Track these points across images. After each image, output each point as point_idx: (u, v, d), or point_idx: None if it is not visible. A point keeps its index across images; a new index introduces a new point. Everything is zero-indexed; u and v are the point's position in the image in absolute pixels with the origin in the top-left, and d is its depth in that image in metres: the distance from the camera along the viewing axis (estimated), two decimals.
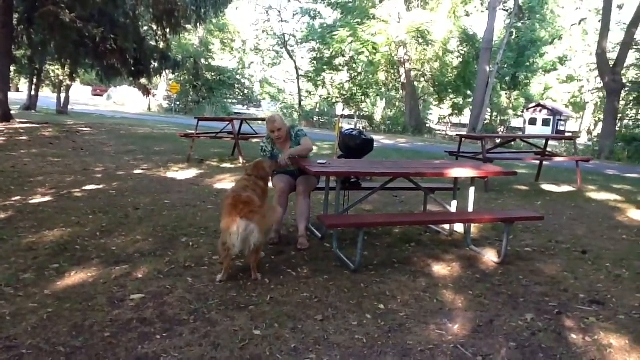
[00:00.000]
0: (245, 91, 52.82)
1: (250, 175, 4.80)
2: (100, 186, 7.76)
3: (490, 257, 5.21)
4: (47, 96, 37.70)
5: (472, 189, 5.58)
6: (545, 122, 45.33)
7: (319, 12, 40.94)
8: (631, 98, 29.73)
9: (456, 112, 44.03)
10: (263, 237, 4.19)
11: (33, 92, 28.28)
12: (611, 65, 23.73)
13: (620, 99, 25.99)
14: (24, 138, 13.71)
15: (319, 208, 6.59)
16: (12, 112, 18.48)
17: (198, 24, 21.84)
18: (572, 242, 5.93)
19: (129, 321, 3.44)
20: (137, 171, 9.43)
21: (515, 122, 50.02)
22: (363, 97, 39.84)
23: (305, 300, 3.94)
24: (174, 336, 3.26)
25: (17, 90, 50.27)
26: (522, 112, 48.31)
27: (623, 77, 26.22)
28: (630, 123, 32.20)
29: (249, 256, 4.23)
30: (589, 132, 42.76)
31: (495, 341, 3.44)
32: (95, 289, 3.93)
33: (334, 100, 40.33)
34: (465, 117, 41.40)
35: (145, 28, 21.67)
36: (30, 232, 5.24)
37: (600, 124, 29.18)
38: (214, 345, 3.17)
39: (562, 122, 46.79)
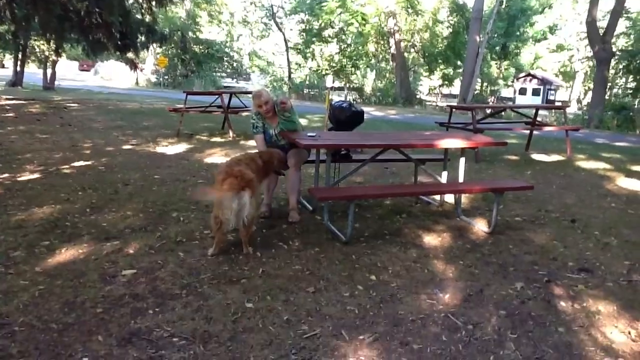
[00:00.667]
0: (234, 64, 52.27)
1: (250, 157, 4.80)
2: (89, 162, 7.71)
3: (480, 227, 5.24)
4: (33, 72, 37.17)
5: (462, 160, 5.58)
6: (535, 92, 45.22)
7: None
8: (621, 66, 29.68)
9: (446, 82, 43.85)
10: (255, 210, 4.18)
11: (18, 68, 27.84)
12: (601, 34, 23.63)
13: (610, 67, 25.94)
14: (10, 115, 13.55)
15: (310, 181, 6.58)
16: None
17: None
18: (562, 211, 5.97)
19: (121, 297, 3.44)
20: (126, 147, 9.37)
21: (506, 92, 49.90)
22: (353, 69, 39.53)
23: (297, 272, 3.95)
24: (167, 311, 3.27)
25: (2, 66, 49.49)
26: (512, 82, 48.18)
27: (613, 46, 26.14)
28: (620, 92, 32.25)
29: (241, 230, 4.23)
30: (579, 102, 42.77)
31: (485, 310, 3.48)
32: (87, 266, 3.92)
33: (323, 73, 40.04)
34: (456, 88, 41.21)
35: (131, 1, 21.23)
36: (20, 210, 5.20)
37: (590, 93, 29.19)
38: (207, 319, 3.18)
39: (552, 92, 46.70)
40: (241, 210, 3.99)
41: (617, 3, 23.62)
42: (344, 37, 38.33)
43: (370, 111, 21.88)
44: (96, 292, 3.49)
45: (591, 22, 23.50)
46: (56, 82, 28.06)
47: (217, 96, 11.64)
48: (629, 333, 3.23)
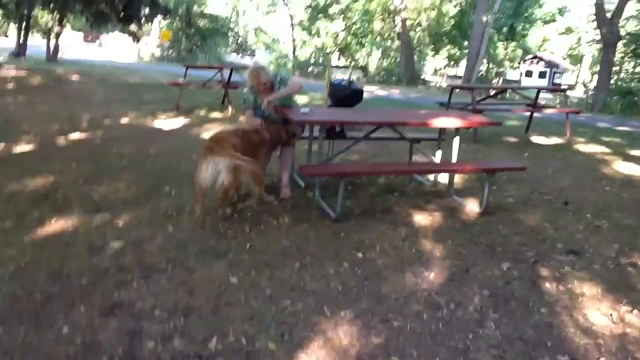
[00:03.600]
0: (239, 40, 51.93)
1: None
2: (86, 135, 7.71)
3: (472, 207, 5.23)
4: (37, 44, 37.03)
5: (456, 139, 5.55)
6: (542, 75, 44.95)
7: None
8: (628, 50, 29.30)
9: (452, 63, 43.51)
10: (232, 177, 4.20)
11: (22, 39, 27.69)
12: (609, 17, 23.32)
13: (617, 51, 25.65)
14: (11, 85, 13.53)
15: (304, 158, 6.56)
16: None
17: None
18: (555, 194, 5.95)
19: (107, 269, 3.46)
20: (124, 120, 9.36)
21: (512, 74, 49.54)
22: (358, 47, 39.25)
23: (284, 248, 3.97)
24: (151, 283, 3.30)
25: (6, 35, 49.19)
26: (519, 64, 47.78)
27: (621, 29, 25.81)
28: (626, 76, 31.92)
29: (218, 195, 4.34)
30: (585, 85, 42.43)
31: (469, 289, 3.49)
32: (75, 237, 3.95)
33: (328, 50, 39.75)
34: (462, 69, 40.94)
35: None
36: (12, 181, 5.21)
37: (596, 77, 28.92)
38: (190, 292, 3.20)
39: (559, 75, 46.40)
40: (217, 175, 4.09)
41: None
42: (349, 14, 37.97)
43: (373, 90, 21.77)
44: (82, 263, 3.51)
45: (600, 4, 23.16)
46: (60, 54, 27.90)
47: (217, 71, 11.57)
48: (611, 315, 3.23)
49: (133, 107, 11.05)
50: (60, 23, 24.23)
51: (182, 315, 2.93)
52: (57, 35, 27.50)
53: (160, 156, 6.67)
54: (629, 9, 28.34)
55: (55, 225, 4.17)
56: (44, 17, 27.03)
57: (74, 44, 46.10)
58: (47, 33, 28.28)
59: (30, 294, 3.07)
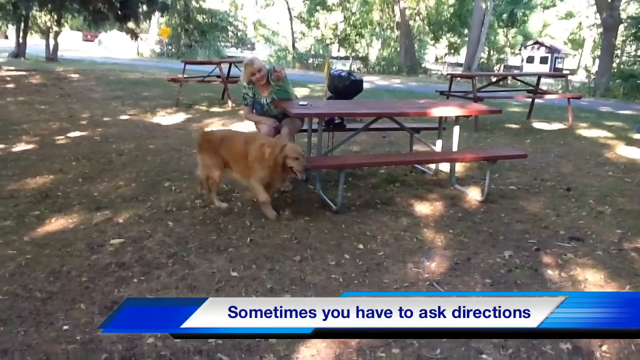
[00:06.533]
0: (239, 34, 51.75)
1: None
2: (85, 133, 7.69)
3: (473, 195, 5.21)
4: (37, 43, 36.95)
5: (456, 128, 5.52)
6: (543, 60, 44.68)
7: None
8: (629, 34, 29.09)
9: (452, 51, 43.32)
10: (203, 171, 4.63)
11: (21, 40, 27.61)
12: (609, 0, 23.14)
13: (618, 35, 25.46)
14: (10, 86, 13.49)
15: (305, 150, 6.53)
16: None
17: None
18: (558, 180, 5.92)
19: (107, 266, 3.46)
20: (123, 117, 9.33)
21: (513, 61, 49.30)
22: (357, 38, 39.09)
23: (285, 241, 3.95)
24: (151, 279, 3.29)
25: (6, 37, 49.14)
26: (520, 50, 47.56)
27: (622, 12, 25.64)
28: (628, 59, 31.69)
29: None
30: (587, 70, 42.21)
31: (471, 278, 3.47)
32: (75, 235, 3.94)
33: (328, 42, 39.60)
34: (462, 57, 40.76)
35: None
36: (12, 180, 5.21)
37: (597, 61, 28.73)
38: (190, 287, 3.20)
39: (560, 60, 46.14)
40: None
41: None
42: (348, 4, 37.80)
43: (374, 80, 21.68)
44: (83, 261, 3.51)
45: None
46: (59, 53, 27.83)
47: (215, 66, 11.54)
48: None
49: (132, 104, 11.04)
50: (59, 23, 24.12)
51: None
52: (56, 35, 27.42)
53: (160, 152, 6.65)
54: None
55: (56, 223, 4.16)
56: (42, 17, 26.87)
57: (73, 43, 46.05)
58: (45, 33, 28.17)
59: (30, 293, 3.06)
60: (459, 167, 6.08)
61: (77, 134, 7.60)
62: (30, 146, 6.73)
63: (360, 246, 3.92)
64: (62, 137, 7.34)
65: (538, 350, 2.66)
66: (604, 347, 2.69)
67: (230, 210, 4.56)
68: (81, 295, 3.07)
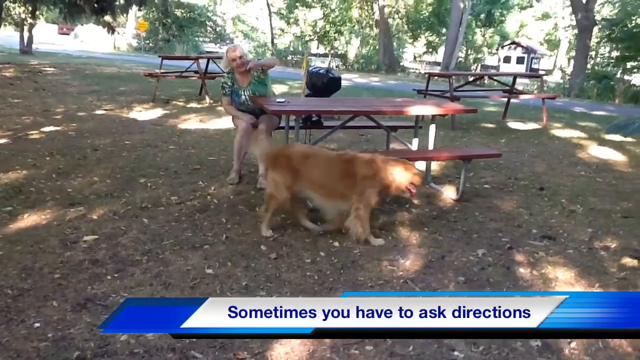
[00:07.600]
0: (218, 29, 51.39)
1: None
2: (60, 127, 7.59)
3: (448, 194, 5.26)
4: (10, 35, 36.30)
5: (432, 127, 5.56)
6: (520, 60, 45.20)
7: None
8: (603, 35, 29.59)
9: (430, 50, 43.57)
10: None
11: None
12: (584, 2, 23.50)
13: (593, 36, 25.88)
14: None
15: None
16: None
17: None
18: (531, 179, 6.01)
19: (80, 262, 3.42)
20: (99, 112, 9.23)
21: (490, 60, 49.77)
22: (336, 35, 39.11)
23: (261, 239, 3.95)
24: (125, 277, 3.27)
25: None
26: (497, 50, 48.02)
27: (597, 14, 26.04)
28: (602, 60, 32.22)
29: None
30: (562, 70, 42.80)
31: (444, 276, 3.51)
32: (48, 231, 3.89)
33: (307, 39, 39.56)
34: (440, 55, 41.02)
35: None
36: None
37: (572, 62, 29.16)
38: (165, 285, 3.19)
39: (536, 60, 46.72)
40: None
41: None
42: (327, 1, 37.80)
43: (352, 78, 21.75)
44: (55, 257, 3.47)
45: None
46: (34, 46, 27.38)
47: (193, 61, 11.47)
48: None
49: (108, 99, 10.92)
50: (33, 15, 23.70)
51: None
52: (31, 27, 26.94)
53: (135, 147, 6.59)
54: None
55: (28, 219, 4.11)
56: (16, 8, 26.36)
57: (48, 36, 45.27)
58: (20, 25, 27.66)
59: (1, 290, 3.02)
60: (435, 165, 6.14)
61: (51, 128, 7.49)
62: (2, 140, 6.62)
63: (336, 244, 3.93)
64: (36, 131, 7.23)
65: (509, 347, 2.70)
66: (573, 344, 2.75)
67: (206, 207, 4.54)
68: (53, 292, 3.04)
